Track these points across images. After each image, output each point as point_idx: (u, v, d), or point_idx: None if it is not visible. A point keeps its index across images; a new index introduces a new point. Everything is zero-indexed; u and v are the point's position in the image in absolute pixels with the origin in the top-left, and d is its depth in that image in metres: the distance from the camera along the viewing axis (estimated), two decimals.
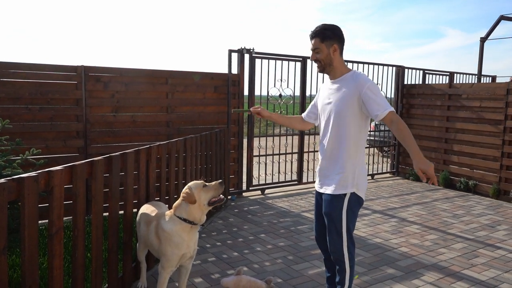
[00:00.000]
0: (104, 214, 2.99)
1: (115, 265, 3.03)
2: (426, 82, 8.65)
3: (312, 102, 2.98)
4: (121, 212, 3.33)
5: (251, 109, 2.96)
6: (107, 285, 3.00)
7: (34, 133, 4.71)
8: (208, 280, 3.42)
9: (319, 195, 2.82)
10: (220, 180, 2.76)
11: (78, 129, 4.95)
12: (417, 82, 8.49)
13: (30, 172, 2.24)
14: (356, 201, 2.66)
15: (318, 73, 4.70)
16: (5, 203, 1.99)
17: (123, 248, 3.20)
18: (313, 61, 2.70)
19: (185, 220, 2.71)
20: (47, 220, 2.37)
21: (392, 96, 8.27)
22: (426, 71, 8.63)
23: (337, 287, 2.81)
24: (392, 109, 2.48)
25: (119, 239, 3.32)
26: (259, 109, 2.94)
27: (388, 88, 10.62)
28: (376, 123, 9.60)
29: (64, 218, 4.26)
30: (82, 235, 2.59)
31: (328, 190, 2.67)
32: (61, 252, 2.40)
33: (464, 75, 10.51)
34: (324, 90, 2.76)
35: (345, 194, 2.62)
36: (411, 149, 2.38)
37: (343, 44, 2.64)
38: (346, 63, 2.92)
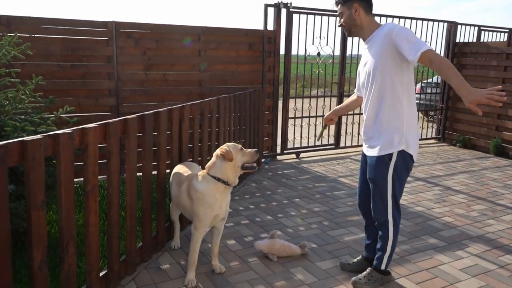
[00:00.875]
0: (138, 174, 3.08)
1: (149, 224, 3.14)
2: (481, 40, 8.17)
3: (357, 78, 2.93)
4: (155, 172, 3.41)
5: (325, 122, 3.21)
6: (141, 243, 3.13)
7: (66, 90, 4.84)
8: (241, 243, 3.51)
9: (364, 160, 2.81)
10: (256, 149, 2.83)
11: (109, 87, 5.04)
12: (471, 40, 8.04)
13: (65, 129, 2.31)
14: (403, 164, 2.62)
15: None
16: (42, 158, 2.07)
17: (157, 207, 3.31)
18: (341, 28, 2.74)
19: (218, 179, 2.76)
20: (82, 178, 2.46)
21: (442, 55, 7.88)
22: (481, 28, 8.13)
23: (378, 253, 2.83)
24: (429, 47, 2.36)
25: (153, 199, 3.43)
26: (330, 117, 3.16)
27: (438, 47, 10.14)
28: (422, 85, 9.24)
29: (99, 177, 4.45)
30: (117, 193, 2.68)
31: (373, 151, 2.66)
32: (97, 209, 2.50)
33: None
34: (362, 55, 2.74)
35: (391, 156, 2.59)
36: (456, 83, 2.24)
37: (366, 2, 2.61)
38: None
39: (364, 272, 2.90)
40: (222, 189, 2.78)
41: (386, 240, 2.76)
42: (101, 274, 2.68)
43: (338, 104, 6.89)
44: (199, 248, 2.89)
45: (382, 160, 2.61)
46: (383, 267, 2.84)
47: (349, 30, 2.66)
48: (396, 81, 2.53)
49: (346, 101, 3.14)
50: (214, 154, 2.83)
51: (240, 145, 2.81)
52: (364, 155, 2.83)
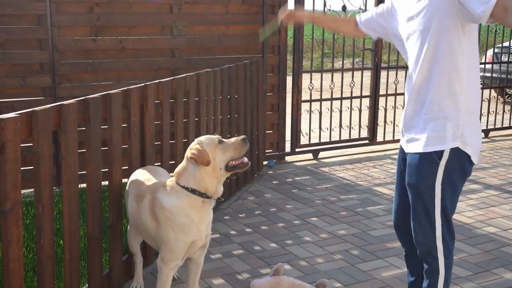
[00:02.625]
0: (81, 185, 3.06)
1: (98, 258, 3.12)
2: None
3: (377, 10, 2.92)
4: (106, 182, 3.40)
5: (280, 17, 3.02)
6: (87, 285, 3.13)
7: None
8: (232, 282, 3.49)
9: (402, 158, 2.81)
10: (243, 136, 2.79)
11: (42, 60, 5.04)
12: None
13: None
14: (458, 166, 2.60)
15: None
16: None
17: (109, 233, 3.29)
18: None
19: (193, 191, 2.74)
20: None
21: None
22: None
23: None
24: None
25: (104, 221, 3.41)
26: (291, 12, 3.00)
27: None
28: (495, 51, 9.22)
29: (25, 191, 4.42)
30: (50, 214, 2.67)
31: (415, 146, 2.64)
32: (20, 237, 2.48)
33: None
34: (403, 4, 2.69)
35: (441, 154, 2.57)
36: None
37: None
38: None
39: None
40: (199, 204, 2.77)
41: (435, 275, 2.73)
42: None
43: (374, 80, 6.89)
44: (169, 286, 2.89)
45: (429, 159, 2.59)
46: None
47: None
48: (456, 48, 2.52)
49: (341, 18, 3.15)
50: (185, 155, 2.82)
51: (216, 137, 2.79)
52: (402, 153, 2.81)
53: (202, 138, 2.82)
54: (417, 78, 2.64)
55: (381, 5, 2.93)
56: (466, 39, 2.53)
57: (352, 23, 3.08)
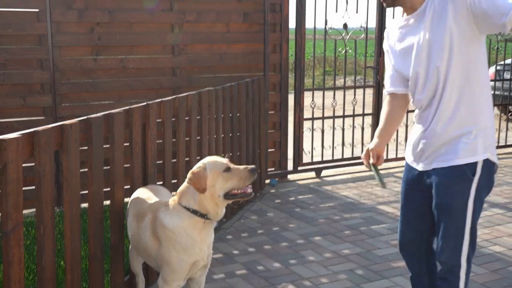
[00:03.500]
0: (83, 204, 3.06)
1: (100, 279, 3.11)
2: None
3: (389, 67, 2.89)
4: (107, 202, 3.40)
5: (371, 161, 2.94)
6: None
7: None
8: None
9: (417, 176, 2.76)
10: (252, 167, 2.73)
11: (42, 80, 5.06)
12: None
13: None
14: (488, 180, 2.62)
15: None
16: None
17: (111, 254, 3.29)
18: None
19: (195, 212, 2.74)
20: None
21: None
22: None
23: None
24: None
25: (105, 241, 3.41)
26: (377, 152, 2.92)
27: None
28: (498, 68, 9.25)
29: (26, 211, 4.42)
30: (51, 234, 2.66)
31: (446, 160, 2.61)
32: (21, 258, 2.48)
33: None
34: (404, 33, 2.70)
35: (474, 167, 2.57)
36: None
37: None
38: None
39: None
40: (201, 225, 2.77)
41: None
42: None
43: (376, 98, 6.91)
44: None
45: (462, 176, 2.58)
46: None
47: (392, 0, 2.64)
48: (477, 61, 2.57)
49: (386, 113, 2.96)
50: (189, 173, 2.80)
51: (225, 162, 2.74)
52: (409, 172, 2.79)
53: (209, 160, 2.78)
54: (443, 103, 2.61)
55: (388, 67, 2.90)
56: (483, 49, 2.59)
57: (395, 99, 2.91)
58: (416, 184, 2.78)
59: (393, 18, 6.74)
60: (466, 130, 2.59)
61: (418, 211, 2.81)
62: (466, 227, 2.61)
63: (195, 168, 2.76)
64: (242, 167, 2.76)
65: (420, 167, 2.74)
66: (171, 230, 2.78)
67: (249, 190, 2.76)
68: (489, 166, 2.60)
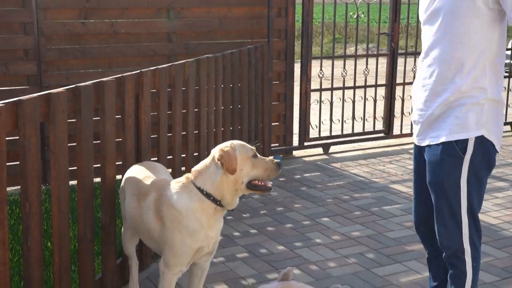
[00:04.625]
0: (72, 182, 3.06)
1: (90, 261, 3.12)
2: None
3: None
4: (98, 179, 3.40)
5: None
6: None
7: None
8: (236, 287, 3.51)
9: (419, 152, 2.81)
10: (279, 161, 2.75)
11: (26, 46, 5.03)
12: None
13: None
14: (484, 158, 2.62)
15: None
16: None
17: (102, 234, 3.30)
18: None
19: (208, 195, 2.72)
20: None
21: None
22: None
23: None
24: None
25: (96, 221, 3.42)
26: None
27: None
28: None
29: (11, 188, 4.43)
30: (37, 213, 2.66)
31: (435, 137, 2.65)
32: (5, 239, 2.48)
33: None
34: None
35: (465, 144, 2.58)
36: None
37: None
38: None
39: None
40: (212, 210, 2.76)
41: (462, 279, 2.73)
42: None
43: (390, 68, 6.87)
44: None
45: (452, 154, 2.60)
46: None
47: None
48: (484, 30, 2.54)
49: None
50: (211, 153, 2.78)
51: (252, 148, 2.75)
52: (418, 148, 2.82)
53: (238, 143, 2.78)
54: (436, 62, 2.63)
55: None
56: (496, 20, 2.54)
57: None
58: (421, 160, 2.81)
59: None
60: (459, 102, 2.58)
61: (423, 189, 2.84)
62: (462, 208, 2.63)
63: (224, 147, 2.73)
64: (268, 158, 2.78)
65: (417, 141, 2.78)
66: (178, 211, 2.77)
67: (270, 185, 2.77)
68: (485, 144, 2.60)
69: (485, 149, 2.60)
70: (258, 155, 2.76)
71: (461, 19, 2.53)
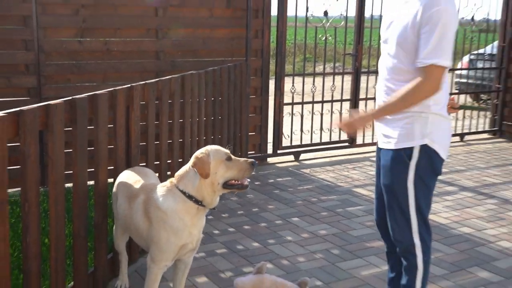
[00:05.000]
0: (68, 184, 3.05)
1: (84, 256, 3.11)
2: None
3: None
4: (91, 182, 3.38)
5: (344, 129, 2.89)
6: (73, 283, 3.11)
7: None
8: (215, 280, 3.50)
9: (379, 157, 2.86)
10: (253, 160, 2.73)
11: (27, 61, 4.99)
12: None
13: None
14: (429, 164, 2.66)
15: None
16: None
17: (95, 232, 3.28)
18: None
19: (190, 197, 2.73)
20: None
21: (498, 16, 7.98)
22: None
23: None
24: (441, 63, 2.47)
25: (89, 220, 3.40)
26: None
27: (493, 7, 10.25)
28: (471, 57, 9.34)
29: (11, 190, 4.38)
30: (36, 212, 2.65)
31: (388, 143, 2.71)
32: (6, 236, 2.46)
33: None
34: (389, 13, 2.77)
35: (410, 152, 2.63)
36: (385, 107, 2.65)
37: None
38: None
39: None
40: (194, 210, 2.76)
41: (413, 272, 2.78)
42: None
43: (354, 84, 6.94)
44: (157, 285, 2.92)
45: (399, 160, 2.66)
46: None
47: None
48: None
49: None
50: (191, 159, 2.78)
51: (226, 152, 2.74)
52: (378, 150, 2.87)
53: (212, 148, 2.77)
54: (390, 77, 2.69)
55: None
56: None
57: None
58: (379, 164, 2.85)
59: (372, 6, 6.77)
60: (405, 114, 2.62)
61: (381, 190, 2.87)
62: (411, 207, 2.68)
63: (199, 153, 2.73)
64: (242, 159, 2.77)
65: (378, 144, 2.82)
66: (164, 212, 2.77)
67: (246, 182, 2.75)
68: (429, 152, 2.64)
69: (429, 156, 2.65)
70: (233, 157, 2.75)
71: (408, 45, 2.57)
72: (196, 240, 2.88)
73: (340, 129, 2.66)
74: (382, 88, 2.74)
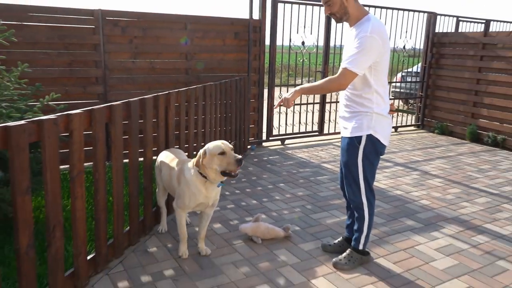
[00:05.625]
0: (124, 160, 3.05)
1: (136, 209, 3.12)
2: (459, 30, 8.22)
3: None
4: (141, 159, 3.39)
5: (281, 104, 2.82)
6: (128, 227, 3.11)
7: (53, 78, 4.74)
8: (226, 226, 3.51)
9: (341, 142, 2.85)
10: (240, 157, 2.61)
11: (97, 75, 4.95)
12: (449, 30, 8.08)
13: (50, 115, 2.26)
14: (372, 148, 2.66)
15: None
16: (26, 144, 2.03)
17: (144, 193, 3.29)
18: (328, 15, 2.79)
19: (200, 174, 2.76)
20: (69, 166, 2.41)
21: (421, 45, 7.92)
22: (460, 18, 8.17)
23: (355, 234, 2.87)
24: (353, 69, 2.47)
25: (139, 185, 3.41)
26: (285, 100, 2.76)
27: (417, 37, 10.15)
28: (403, 74, 9.29)
29: (86, 164, 4.39)
30: (103, 178, 2.65)
31: (346, 132, 2.72)
32: (83, 195, 2.47)
33: (502, 23, 9.92)
34: (347, 38, 2.74)
35: (360, 139, 2.64)
36: (306, 88, 2.64)
37: None
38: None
39: (344, 253, 2.94)
40: (204, 182, 2.77)
41: (362, 221, 2.80)
42: (88, 257, 2.66)
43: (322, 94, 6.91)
44: (185, 222, 2.98)
45: (352, 144, 2.67)
46: (361, 247, 2.88)
47: (339, 19, 2.64)
48: (367, 72, 2.58)
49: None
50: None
51: (223, 147, 2.63)
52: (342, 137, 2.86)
53: (210, 146, 2.67)
54: (347, 89, 2.69)
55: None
56: (374, 67, 2.57)
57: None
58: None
59: (335, 38, 6.72)
60: (357, 113, 2.64)
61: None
62: (360, 177, 2.70)
63: (201, 151, 2.71)
64: (233, 155, 2.62)
65: (341, 130, 2.82)
66: (187, 180, 2.80)
67: (235, 174, 2.62)
68: (373, 140, 2.64)
69: (373, 142, 2.65)
70: (228, 152, 2.63)
71: None
72: (212, 201, 2.88)
73: (280, 105, 2.64)
74: (343, 94, 2.74)
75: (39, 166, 3.12)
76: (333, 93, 7.18)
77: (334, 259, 2.92)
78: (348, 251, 2.93)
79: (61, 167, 4.13)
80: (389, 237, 3.39)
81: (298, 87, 2.67)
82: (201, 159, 2.69)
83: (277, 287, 2.65)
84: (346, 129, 2.71)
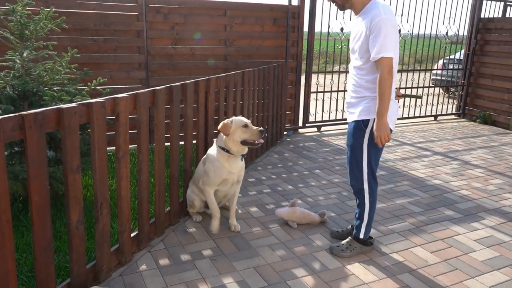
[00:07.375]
0: (166, 143, 3.11)
1: (176, 190, 3.18)
2: (507, 16, 7.76)
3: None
4: (181, 142, 3.44)
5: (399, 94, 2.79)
6: (169, 208, 3.19)
7: (99, 64, 4.87)
8: (263, 210, 3.53)
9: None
10: (261, 129, 2.85)
11: (140, 61, 5.05)
12: (496, 16, 7.64)
13: (98, 99, 2.33)
14: None
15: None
16: (77, 125, 2.10)
17: (184, 175, 3.35)
18: (330, 2, 2.71)
19: (222, 148, 2.90)
20: (115, 147, 2.49)
21: (465, 32, 7.55)
22: (508, 3, 7.70)
23: (356, 222, 2.82)
24: (388, 55, 2.38)
25: (180, 167, 3.47)
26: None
27: (462, 23, 9.69)
28: (444, 61, 8.91)
29: (130, 146, 4.52)
30: (146, 159, 2.72)
31: (352, 116, 2.66)
32: (128, 175, 2.55)
33: None
34: (355, 27, 2.66)
35: (367, 122, 2.57)
36: (379, 109, 2.45)
37: None
38: None
39: (344, 240, 2.88)
40: (227, 156, 2.91)
41: (362, 208, 2.75)
42: (132, 235, 2.76)
43: None
44: (214, 199, 3.06)
45: (359, 128, 2.61)
46: (361, 236, 2.81)
47: (342, 6, 2.60)
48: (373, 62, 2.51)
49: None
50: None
51: (246, 121, 2.86)
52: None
53: (236, 118, 2.91)
54: (355, 74, 2.62)
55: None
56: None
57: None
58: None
59: None
60: (365, 97, 2.58)
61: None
62: (364, 161, 2.64)
63: (225, 120, 2.90)
64: (255, 127, 2.88)
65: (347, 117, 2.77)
66: (211, 157, 3.00)
67: (257, 142, 2.87)
68: None
69: None
70: (250, 125, 2.87)
71: (364, 50, 2.52)
72: (237, 176, 3.00)
73: (387, 141, 2.52)
74: (351, 81, 2.68)
75: (86, 147, 3.24)
76: None
77: (332, 244, 2.88)
78: (348, 239, 2.87)
79: (108, 149, 4.27)
80: (426, 226, 3.31)
81: (377, 117, 2.46)
82: (229, 127, 2.84)
83: (312, 271, 2.65)
84: (353, 114, 2.65)
